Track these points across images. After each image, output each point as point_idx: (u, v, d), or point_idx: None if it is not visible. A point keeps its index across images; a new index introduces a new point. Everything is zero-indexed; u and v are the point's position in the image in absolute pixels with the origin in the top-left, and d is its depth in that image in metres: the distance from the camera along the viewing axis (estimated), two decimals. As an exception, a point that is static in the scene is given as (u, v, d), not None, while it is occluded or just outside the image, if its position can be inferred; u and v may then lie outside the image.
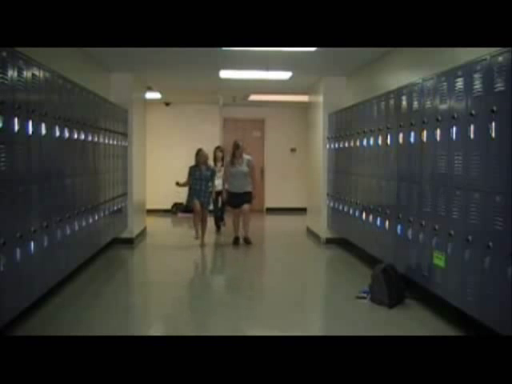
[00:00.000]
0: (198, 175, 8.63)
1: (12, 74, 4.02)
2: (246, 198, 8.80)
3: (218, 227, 10.14)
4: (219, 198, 9.77)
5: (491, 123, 3.77)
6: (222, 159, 9.96)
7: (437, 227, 4.61)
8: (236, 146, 8.82)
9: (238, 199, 8.81)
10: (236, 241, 8.78)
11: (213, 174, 8.79)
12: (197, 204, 8.67)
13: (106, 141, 7.17)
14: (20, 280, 4.20)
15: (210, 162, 9.41)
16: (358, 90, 8.24)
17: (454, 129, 4.34)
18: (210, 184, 8.73)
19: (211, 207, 9.23)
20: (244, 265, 7.40)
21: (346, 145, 7.72)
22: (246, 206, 8.80)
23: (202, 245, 8.48)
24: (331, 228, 8.70)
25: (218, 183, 9.32)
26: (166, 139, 12.95)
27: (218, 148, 10.47)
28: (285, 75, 8.73)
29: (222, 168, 9.52)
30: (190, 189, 8.76)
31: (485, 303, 3.89)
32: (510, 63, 3.58)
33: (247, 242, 8.79)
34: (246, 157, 8.89)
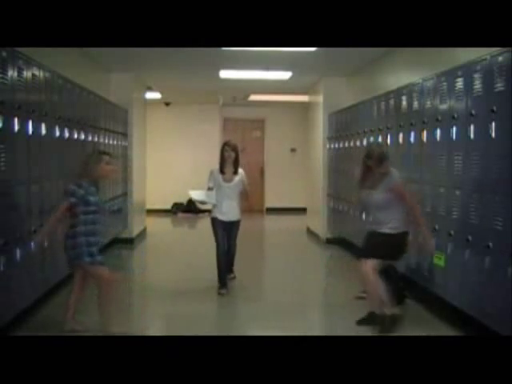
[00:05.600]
0: (96, 204, 4.29)
1: (12, 74, 4.02)
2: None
3: (224, 284, 5.70)
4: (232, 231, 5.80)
5: (491, 123, 3.77)
6: (236, 162, 5.78)
7: (437, 227, 4.60)
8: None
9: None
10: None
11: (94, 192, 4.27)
12: (100, 268, 4.24)
13: (106, 141, 7.17)
14: (20, 280, 4.20)
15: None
16: (357, 90, 8.24)
17: (454, 129, 4.34)
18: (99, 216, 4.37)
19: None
20: (244, 265, 7.39)
21: (346, 145, 7.72)
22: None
23: (72, 328, 4.21)
24: (331, 228, 8.70)
25: (228, 208, 5.67)
26: (165, 139, 12.94)
27: (227, 144, 5.88)
28: (285, 75, 8.73)
29: (234, 176, 5.73)
30: (70, 232, 4.18)
31: (485, 303, 3.89)
32: (510, 63, 3.58)
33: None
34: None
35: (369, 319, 4.53)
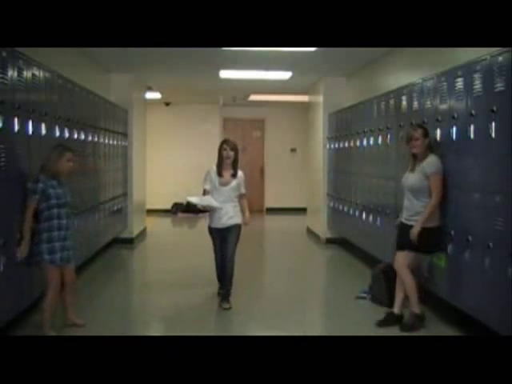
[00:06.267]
0: (59, 196, 4.18)
1: (12, 74, 4.02)
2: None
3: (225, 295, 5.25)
4: (230, 238, 5.21)
5: (491, 123, 3.77)
6: (235, 163, 5.29)
7: (437, 227, 4.59)
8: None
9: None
10: None
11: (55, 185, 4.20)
12: (55, 271, 4.20)
13: (106, 141, 7.17)
14: (20, 280, 4.20)
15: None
16: (357, 90, 8.24)
17: (454, 129, 4.34)
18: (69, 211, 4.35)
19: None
20: (244, 265, 7.41)
21: (346, 145, 7.72)
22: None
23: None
24: (331, 228, 8.70)
25: (223, 212, 5.18)
26: (165, 139, 12.95)
27: (225, 143, 5.33)
28: (285, 75, 8.73)
29: (232, 179, 5.24)
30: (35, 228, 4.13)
31: (485, 303, 3.89)
32: (510, 63, 3.58)
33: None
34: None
35: (388, 320, 4.57)
